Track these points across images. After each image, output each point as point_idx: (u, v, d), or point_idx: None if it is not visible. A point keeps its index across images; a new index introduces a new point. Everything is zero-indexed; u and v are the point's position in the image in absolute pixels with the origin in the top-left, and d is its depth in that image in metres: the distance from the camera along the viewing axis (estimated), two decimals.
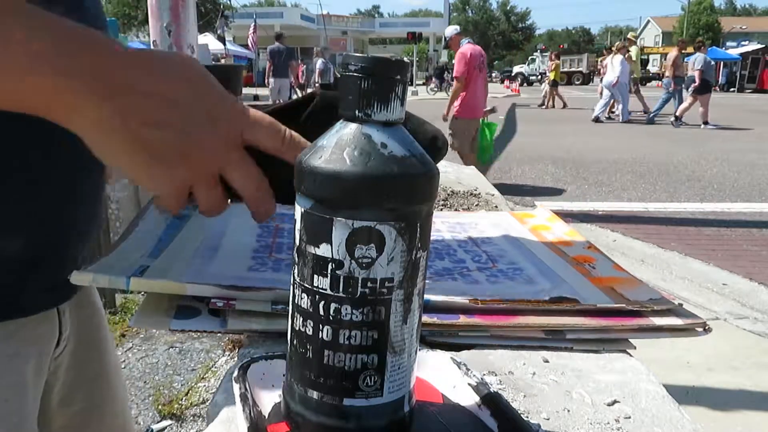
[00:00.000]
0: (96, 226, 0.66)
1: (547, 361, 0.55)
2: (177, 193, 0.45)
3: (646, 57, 51.07)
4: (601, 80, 12.84)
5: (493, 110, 5.93)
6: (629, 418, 0.47)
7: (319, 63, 13.26)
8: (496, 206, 1.31)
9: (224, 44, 18.05)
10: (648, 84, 44.22)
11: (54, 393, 0.66)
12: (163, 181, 0.44)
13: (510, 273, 0.69)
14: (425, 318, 0.55)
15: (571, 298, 0.61)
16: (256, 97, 19.47)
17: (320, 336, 0.38)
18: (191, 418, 2.08)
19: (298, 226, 0.38)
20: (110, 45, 0.41)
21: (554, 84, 16.73)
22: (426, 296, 0.44)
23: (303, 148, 0.45)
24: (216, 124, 0.44)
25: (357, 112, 0.37)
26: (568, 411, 0.48)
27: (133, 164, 0.43)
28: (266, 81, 11.86)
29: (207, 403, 2.10)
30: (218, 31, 18.43)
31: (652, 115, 12.43)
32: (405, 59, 0.39)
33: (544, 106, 16.69)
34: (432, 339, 0.55)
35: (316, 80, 13.05)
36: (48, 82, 0.38)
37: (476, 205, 1.31)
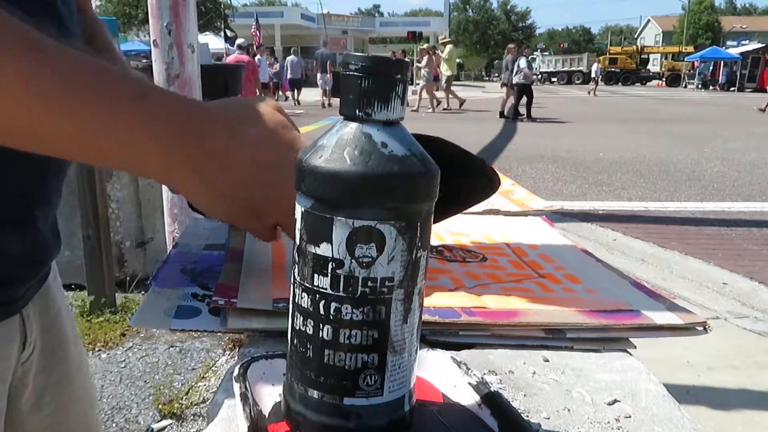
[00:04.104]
0: (47, 245, 0.63)
1: (547, 361, 0.55)
2: (268, 232, 0.55)
3: (646, 56, 51.15)
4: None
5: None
6: (629, 417, 0.47)
7: (522, 61, 12.61)
8: None
9: (232, 44, 18.28)
10: (648, 83, 44.29)
11: (24, 399, 0.65)
12: (256, 227, 0.54)
13: None
14: (426, 316, 0.55)
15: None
16: None
17: (320, 335, 0.38)
18: (191, 417, 2.08)
19: (298, 225, 0.38)
20: (201, 111, 0.49)
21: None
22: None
23: None
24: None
25: (357, 111, 0.37)
26: (569, 410, 0.48)
27: (228, 216, 0.53)
28: (317, 77, 15.69)
29: (207, 403, 2.10)
30: (229, 33, 18.64)
31: None
32: (405, 58, 0.38)
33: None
34: (432, 338, 0.55)
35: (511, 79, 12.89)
36: (162, 154, 0.46)
37: None
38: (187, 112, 0.47)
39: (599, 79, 28.69)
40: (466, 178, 0.66)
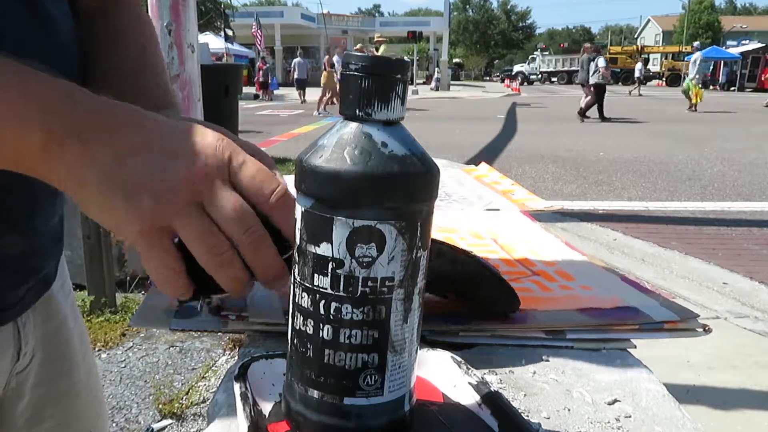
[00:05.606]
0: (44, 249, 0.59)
1: (547, 360, 0.55)
2: (152, 230, 0.40)
3: (647, 56, 51.15)
4: None
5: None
6: (629, 417, 0.47)
7: (601, 61, 12.42)
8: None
9: (231, 42, 18.57)
10: (648, 83, 44.28)
11: (18, 411, 0.61)
12: (134, 218, 0.39)
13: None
14: (437, 325, 0.55)
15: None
16: (256, 96, 19.58)
17: (321, 335, 0.38)
18: (192, 417, 2.08)
19: (298, 225, 0.38)
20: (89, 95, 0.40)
21: None
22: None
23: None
24: (194, 155, 0.40)
25: (357, 111, 0.37)
26: (569, 410, 0.48)
27: (103, 203, 0.40)
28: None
29: (207, 402, 2.10)
30: (229, 32, 18.83)
31: None
32: (405, 58, 0.38)
33: None
34: (432, 338, 0.55)
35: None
36: (35, 135, 0.38)
37: None
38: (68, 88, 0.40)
39: (642, 78, 28.21)
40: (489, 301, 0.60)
